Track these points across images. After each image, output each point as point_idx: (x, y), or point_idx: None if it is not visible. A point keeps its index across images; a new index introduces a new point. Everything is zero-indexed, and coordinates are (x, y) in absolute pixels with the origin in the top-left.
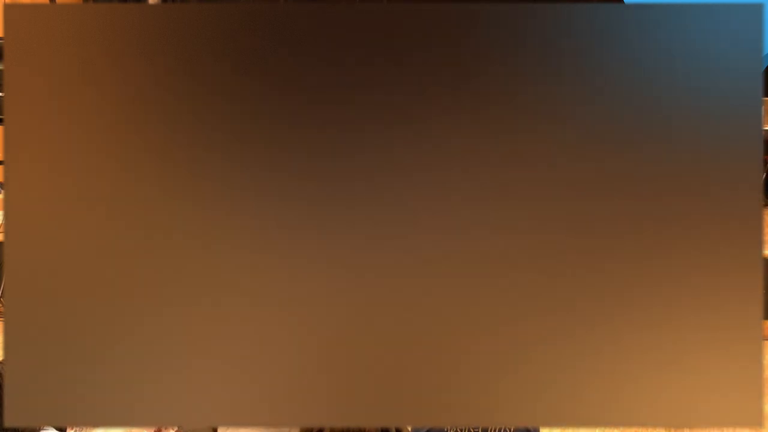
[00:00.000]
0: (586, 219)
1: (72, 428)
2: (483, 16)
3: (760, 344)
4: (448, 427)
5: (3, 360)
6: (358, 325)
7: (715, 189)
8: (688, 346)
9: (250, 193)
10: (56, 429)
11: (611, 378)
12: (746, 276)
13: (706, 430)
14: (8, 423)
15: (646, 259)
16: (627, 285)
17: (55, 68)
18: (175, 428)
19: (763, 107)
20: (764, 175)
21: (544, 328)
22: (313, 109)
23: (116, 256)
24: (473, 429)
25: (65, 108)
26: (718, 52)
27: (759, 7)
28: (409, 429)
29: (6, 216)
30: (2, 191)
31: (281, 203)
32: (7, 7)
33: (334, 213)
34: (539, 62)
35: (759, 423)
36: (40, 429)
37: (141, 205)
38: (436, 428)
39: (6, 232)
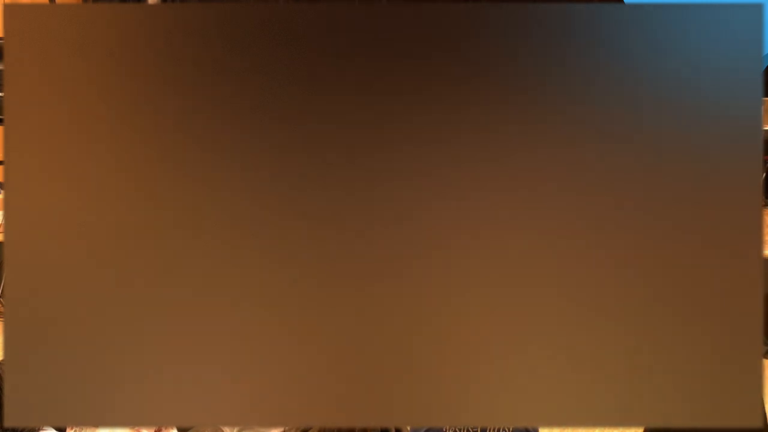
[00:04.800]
0: (586, 219)
1: (72, 428)
2: (483, 16)
3: (760, 344)
4: (447, 427)
5: (3, 360)
6: (358, 325)
7: (715, 189)
8: (687, 345)
9: (254, 194)
10: (56, 429)
11: (611, 378)
12: (746, 276)
13: None
14: (8, 423)
15: (645, 259)
16: (627, 285)
17: (55, 68)
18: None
19: (763, 107)
20: (764, 175)
21: (545, 329)
22: (318, 109)
23: (116, 256)
24: (473, 429)
25: (65, 108)
26: (718, 52)
27: (759, 7)
28: (409, 429)
29: (6, 216)
30: (2, 191)
31: (284, 204)
32: (7, 7)
33: (336, 214)
34: (539, 62)
35: (759, 423)
36: (40, 429)
37: (142, 205)
38: (436, 428)
39: (6, 232)
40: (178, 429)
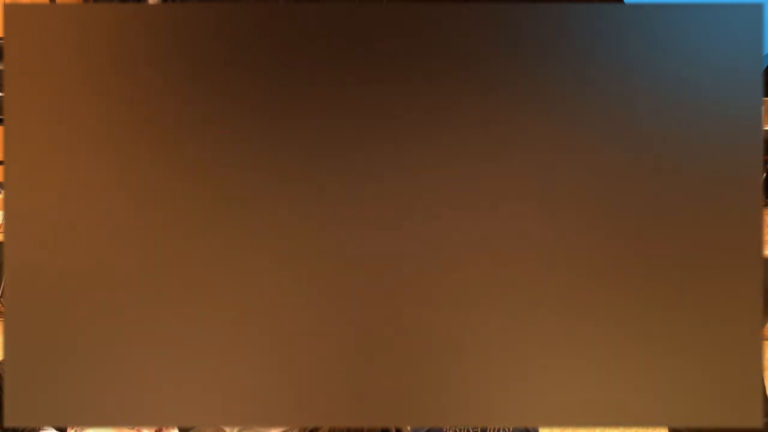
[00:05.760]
0: (584, 219)
1: (72, 428)
2: (482, 16)
3: (760, 344)
4: (448, 427)
5: (3, 360)
6: (358, 324)
7: (715, 189)
8: (687, 345)
9: (254, 194)
10: (56, 429)
11: (611, 378)
12: (746, 276)
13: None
14: (8, 423)
15: (644, 259)
16: (625, 285)
17: (56, 68)
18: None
19: (763, 107)
20: (764, 175)
21: (544, 327)
22: (319, 109)
23: (116, 257)
24: (473, 429)
25: (65, 108)
26: (718, 52)
27: (759, 7)
28: (409, 429)
29: (6, 216)
30: (2, 191)
31: (284, 203)
32: (7, 7)
33: (337, 213)
34: (538, 62)
35: (759, 423)
36: (40, 429)
37: (142, 205)
38: (436, 428)
39: (6, 232)
40: (179, 429)
